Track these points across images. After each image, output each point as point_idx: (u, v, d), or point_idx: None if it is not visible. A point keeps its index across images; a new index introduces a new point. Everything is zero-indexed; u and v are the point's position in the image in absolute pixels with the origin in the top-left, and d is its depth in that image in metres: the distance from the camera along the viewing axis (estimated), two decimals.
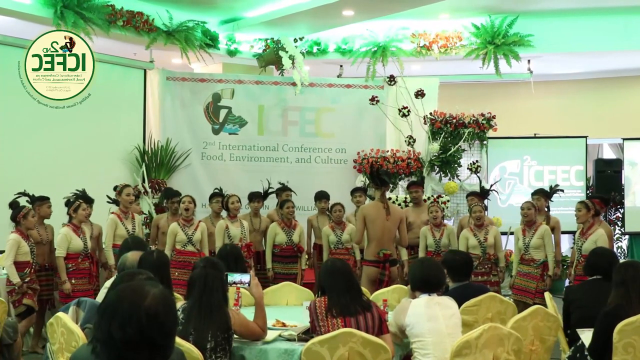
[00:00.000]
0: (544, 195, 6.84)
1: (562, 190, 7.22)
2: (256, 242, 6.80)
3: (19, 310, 5.51)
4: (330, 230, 6.77)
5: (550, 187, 7.07)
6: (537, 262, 6.22)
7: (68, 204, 5.97)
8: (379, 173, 5.98)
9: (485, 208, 6.71)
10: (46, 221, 6.16)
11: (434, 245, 6.63)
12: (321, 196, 7.26)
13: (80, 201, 5.91)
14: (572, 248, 6.83)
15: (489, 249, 6.30)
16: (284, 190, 7.36)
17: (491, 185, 7.72)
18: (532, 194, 6.96)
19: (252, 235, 6.76)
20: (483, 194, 7.14)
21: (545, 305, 6.00)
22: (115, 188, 6.46)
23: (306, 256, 7.04)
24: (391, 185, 7.76)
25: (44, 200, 6.05)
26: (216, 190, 6.98)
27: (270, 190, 7.35)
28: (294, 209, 6.81)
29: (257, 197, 7.00)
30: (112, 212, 6.32)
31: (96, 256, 6.22)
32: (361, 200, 7.19)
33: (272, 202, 7.56)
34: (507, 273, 6.82)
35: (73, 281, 5.78)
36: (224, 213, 6.86)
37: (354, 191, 7.36)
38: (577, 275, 6.12)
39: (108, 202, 6.70)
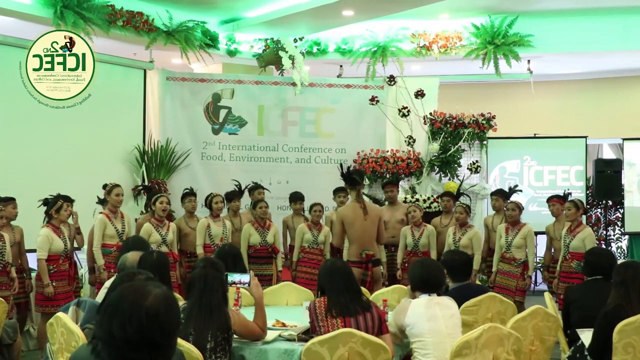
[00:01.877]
0: (502, 195, 6.95)
1: (521, 191, 7.37)
2: (238, 242, 6.64)
3: None
4: (307, 229, 6.69)
5: (510, 188, 7.18)
6: (517, 261, 6.35)
7: (47, 204, 5.80)
8: (350, 173, 5.91)
9: (468, 208, 6.76)
10: (41, 223, 6.05)
11: (412, 245, 6.71)
12: (296, 197, 7.20)
13: (61, 201, 5.75)
14: (547, 249, 6.90)
15: (462, 249, 6.34)
16: (255, 188, 7.25)
17: (463, 191, 7.74)
18: (491, 195, 7.18)
19: (234, 235, 6.69)
20: (457, 195, 7.25)
21: (524, 303, 6.09)
22: (104, 187, 6.28)
23: (282, 257, 6.92)
24: (365, 184, 7.75)
25: (9, 201, 5.88)
26: (187, 190, 6.86)
27: (250, 186, 7.27)
28: (267, 209, 6.68)
29: (236, 196, 6.93)
30: (101, 212, 6.17)
31: (74, 257, 6.11)
32: (344, 200, 7.14)
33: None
34: (479, 277, 6.88)
35: (54, 283, 5.63)
36: (199, 213, 6.79)
37: (336, 191, 7.28)
38: (561, 272, 6.21)
39: (97, 202, 6.63)
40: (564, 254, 6.22)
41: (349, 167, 6.20)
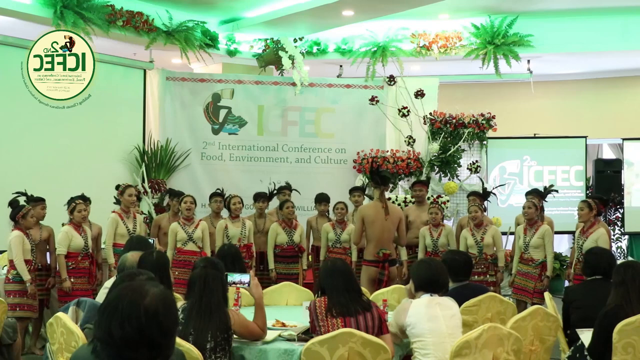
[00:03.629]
0: (538, 195, 6.86)
1: (557, 191, 7.17)
2: (261, 242, 6.80)
3: (17, 314, 5.47)
4: (331, 228, 6.79)
5: (545, 188, 7.09)
6: (536, 261, 6.23)
7: (68, 204, 5.98)
8: (379, 172, 5.95)
9: (485, 208, 6.70)
10: (45, 222, 6.10)
11: (432, 245, 6.64)
12: (321, 199, 7.25)
13: (76, 202, 5.90)
14: (571, 248, 6.84)
15: (485, 249, 6.32)
16: (283, 189, 7.34)
17: (494, 188, 7.73)
18: (526, 194, 6.99)
19: (256, 236, 6.77)
20: (484, 195, 7.15)
21: (543, 304, 6.04)
22: (117, 187, 6.44)
23: (307, 256, 7.04)
24: (391, 185, 7.76)
25: (39, 201, 6.01)
26: (217, 190, 6.98)
27: (275, 191, 7.34)
28: (294, 209, 6.81)
29: (262, 198, 6.99)
30: (114, 211, 6.32)
31: (96, 256, 6.22)
32: (359, 200, 7.20)
33: (276, 202, 7.54)
34: (506, 273, 6.82)
35: (72, 280, 5.80)
36: (224, 213, 6.87)
37: (352, 190, 7.38)
38: (576, 275, 6.14)
39: (115, 203, 6.71)
40: (577, 256, 6.08)
41: (378, 167, 6.23)
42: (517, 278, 6.36)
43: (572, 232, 7.02)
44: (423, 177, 8.59)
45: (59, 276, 5.88)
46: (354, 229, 6.13)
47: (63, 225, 6.00)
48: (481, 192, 7.20)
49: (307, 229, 7.31)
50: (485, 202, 8.22)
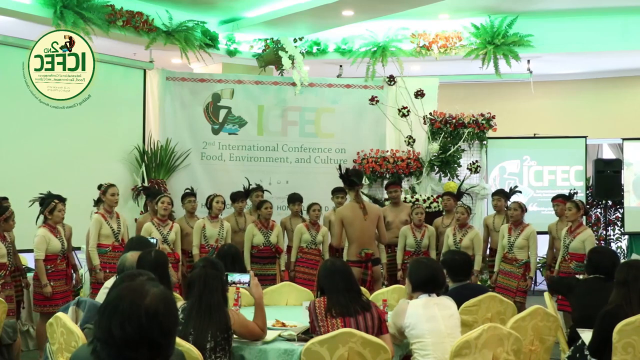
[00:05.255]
0: (504, 195, 6.98)
1: (520, 192, 7.39)
2: (241, 242, 6.69)
3: None
4: (305, 229, 6.70)
5: (510, 189, 7.20)
6: (519, 262, 6.36)
7: (42, 204, 5.73)
8: (348, 174, 5.88)
9: (469, 209, 6.76)
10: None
11: (414, 246, 6.71)
12: (294, 199, 7.18)
13: (55, 201, 5.69)
14: (549, 249, 6.95)
15: (463, 250, 6.33)
16: (254, 190, 7.29)
17: (466, 189, 7.85)
18: (492, 195, 7.21)
19: (238, 235, 6.72)
20: (459, 195, 7.25)
21: (525, 304, 6.10)
22: (99, 187, 6.27)
23: (285, 257, 6.92)
24: (364, 184, 7.75)
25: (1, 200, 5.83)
26: (188, 190, 6.91)
27: (251, 188, 7.30)
28: (272, 209, 6.73)
29: (241, 197, 6.96)
30: (97, 212, 6.16)
31: (72, 257, 6.08)
32: (342, 201, 7.11)
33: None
34: (480, 277, 6.87)
35: (52, 283, 5.59)
36: (199, 213, 6.82)
37: (334, 191, 7.26)
38: (560, 272, 6.26)
39: (94, 205, 6.52)
40: (563, 255, 6.24)
41: (347, 168, 6.18)
42: (499, 277, 6.48)
43: (545, 232, 7.09)
44: (423, 177, 8.61)
45: (36, 280, 5.64)
46: (334, 231, 5.99)
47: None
48: (455, 192, 7.33)
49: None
50: (484, 203, 8.29)
